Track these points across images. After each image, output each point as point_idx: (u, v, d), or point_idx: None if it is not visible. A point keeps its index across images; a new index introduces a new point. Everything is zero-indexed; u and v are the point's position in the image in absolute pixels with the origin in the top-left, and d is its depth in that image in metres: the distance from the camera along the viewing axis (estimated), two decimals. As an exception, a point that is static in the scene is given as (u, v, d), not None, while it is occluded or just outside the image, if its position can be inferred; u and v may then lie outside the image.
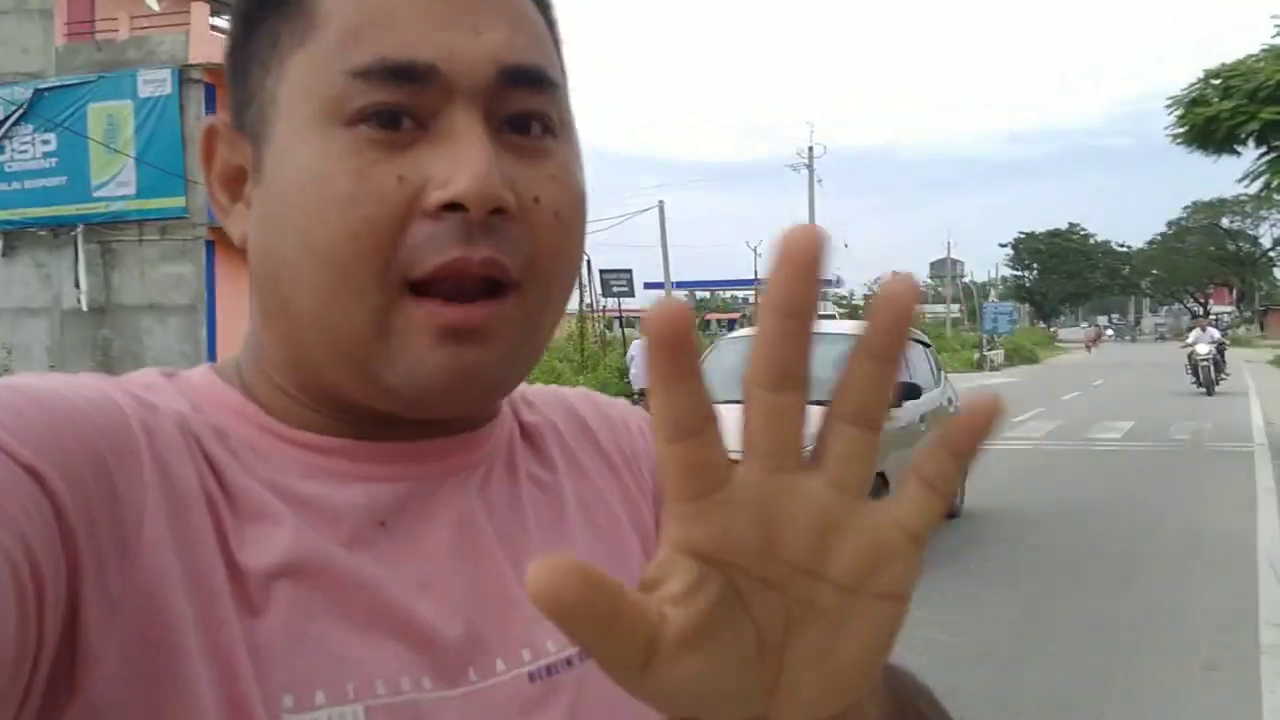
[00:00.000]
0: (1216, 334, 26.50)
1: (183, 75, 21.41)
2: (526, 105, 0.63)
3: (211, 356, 22.08)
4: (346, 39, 0.60)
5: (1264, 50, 14.88)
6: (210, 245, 21.67)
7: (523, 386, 0.77)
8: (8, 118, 21.90)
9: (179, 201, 21.49)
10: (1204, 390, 25.11)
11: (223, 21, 25.02)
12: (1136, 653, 5.84)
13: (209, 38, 22.55)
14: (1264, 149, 14.64)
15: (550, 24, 0.68)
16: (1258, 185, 15.26)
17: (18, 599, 0.46)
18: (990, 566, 7.92)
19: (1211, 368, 25.37)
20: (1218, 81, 14.69)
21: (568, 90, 0.68)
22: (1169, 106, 15.06)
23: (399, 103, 0.59)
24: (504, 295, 0.61)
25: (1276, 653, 5.75)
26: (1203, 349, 25.44)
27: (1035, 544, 8.70)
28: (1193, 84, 14.99)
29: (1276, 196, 16.51)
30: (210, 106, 21.61)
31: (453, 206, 0.58)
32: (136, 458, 0.56)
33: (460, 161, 0.59)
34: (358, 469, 0.64)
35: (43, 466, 0.51)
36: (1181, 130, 14.91)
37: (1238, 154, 15.03)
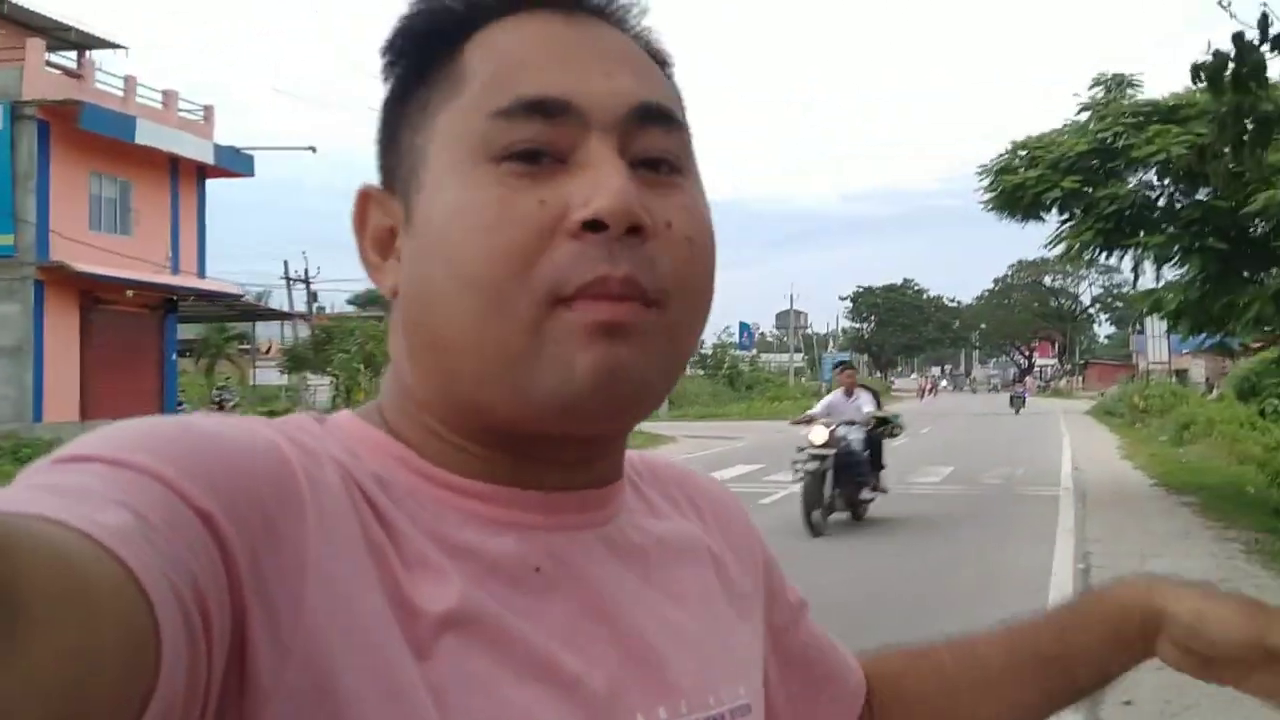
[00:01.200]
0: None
1: (15, 111, 20.84)
2: (656, 144, 0.66)
3: (38, 399, 21.31)
4: (488, 87, 0.64)
5: (1066, 125, 16.11)
6: (39, 285, 21.03)
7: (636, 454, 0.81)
8: None
9: (7, 240, 20.85)
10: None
11: (59, 59, 24.43)
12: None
13: (45, 75, 22.01)
14: (1066, 215, 15.78)
15: (670, 80, 0.72)
16: (1060, 249, 16.40)
17: (188, 639, 0.47)
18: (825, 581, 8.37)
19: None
20: (1024, 152, 15.81)
21: (691, 139, 0.71)
22: (979, 174, 16.13)
23: (538, 137, 0.63)
24: (646, 309, 0.64)
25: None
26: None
27: (841, 581, 9.21)
28: (1001, 154, 16.09)
29: (1077, 260, 17.74)
30: (44, 143, 21.07)
31: (593, 225, 0.61)
32: (300, 505, 0.57)
33: (599, 183, 0.62)
34: (510, 515, 0.66)
35: (213, 510, 0.53)
36: (991, 196, 15.96)
37: (1043, 220, 16.15)
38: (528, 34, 0.67)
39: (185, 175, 25.76)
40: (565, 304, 0.62)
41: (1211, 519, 12.61)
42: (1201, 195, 13.55)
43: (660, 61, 0.72)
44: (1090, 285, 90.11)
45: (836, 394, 13.33)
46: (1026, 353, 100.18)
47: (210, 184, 27.12)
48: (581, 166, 0.63)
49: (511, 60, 0.65)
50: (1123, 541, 10.97)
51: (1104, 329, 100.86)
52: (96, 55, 25.29)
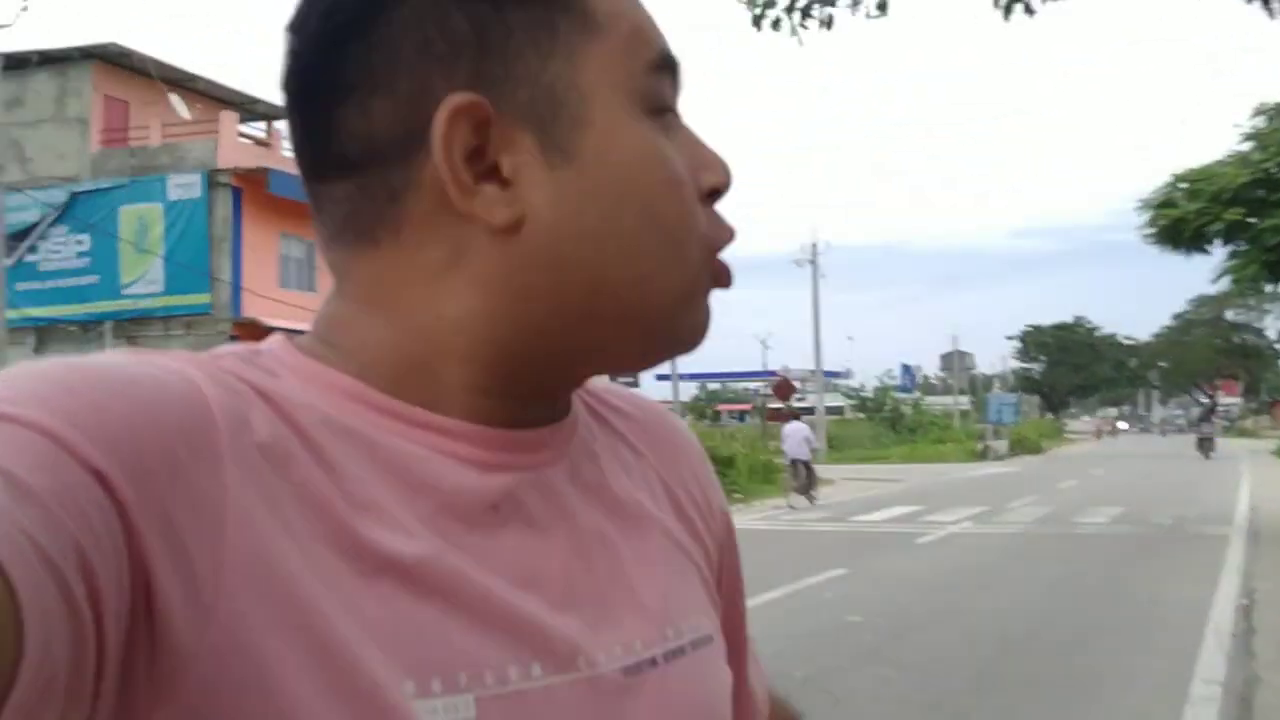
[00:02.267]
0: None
1: (211, 179, 22.43)
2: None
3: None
4: (636, 38, 0.65)
5: (1228, 156, 15.76)
6: (234, 340, 22.44)
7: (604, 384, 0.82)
8: (43, 219, 22.88)
9: (204, 299, 22.41)
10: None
11: (250, 129, 26.19)
12: (1075, 704, 6.40)
13: (237, 144, 23.65)
14: (1231, 248, 15.41)
15: None
16: (1225, 282, 15.99)
17: (68, 609, 0.45)
18: (960, 631, 8.51)
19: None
20: (1184, 185, 15.53)
21: None
22: (1139, 209, 15.90)
23: (671, 103, 0.66)
24: None
25: (1200, 702, 6.31)
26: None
27: (1002, 611, 9.28)
28: (1161, 187, 15.83)
29: (1250, 293, 17.20)
30: (237, 208, 22.59)
31: (716, 192, 0.67)
32: (217, 453, 0.53)
33: (710, 154, 0.67)
34: (473, 453, 0.63)
35: (108, 468, 0.49)
36: (1152, 231, 15.71)
37: (1208, 253, 15.80)
38: None
39: (365, 233, 27.08)
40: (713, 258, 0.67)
41: (1392, 558, 12.11)
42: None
43: None
44: (1276, 319, 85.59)
45: None
46: (1210, 391, 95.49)
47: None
48: (680, 130, 0.67)
49: (638, 16, 0.66)
50: (1292, 580, 10.67)
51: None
52: (284, 125, 26.90)
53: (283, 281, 23.96)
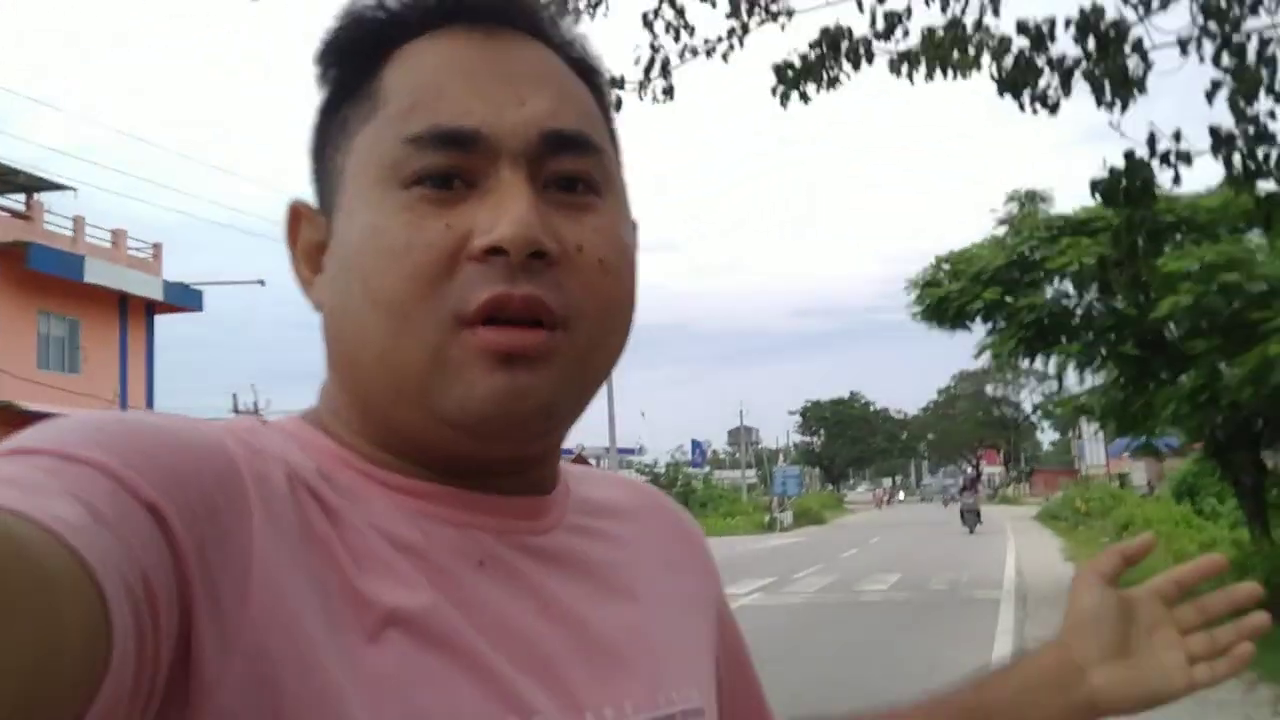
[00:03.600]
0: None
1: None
2: (569, 167, 0.67)
3: None
4: (404, 112, 0.65)
5: (986, 239, 16.89)
6: (-15, 425, 20.92)
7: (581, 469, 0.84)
8: None
9: (-47, 381, 20.80)
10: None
11: (7, 201, 24.72)
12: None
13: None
14: (990, 325, 16.43)
15: (598, 94, 0.73)
16: (985, 357, 17.00)
17: (137, 633, 0.47)
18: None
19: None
20: (947, 266, 16.52)
21: (618, 156, 0.73)
22: (906, 288, 16.81)
23: (449, 165, 0.65)
24: (551, 331, 0.65)
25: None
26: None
27: (793, 681, 9.42)
28: (927, 268, 16.80)
29: (1007, 368, 18.33)
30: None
31: (495, 251, 0.63)
32: (246, 501, 0.57)
33: (502, 210, 0.64)
34: (454, 515, 0.66)
35: (162, 504, 0.52)
36: (919, 309, 16.60)
37: (969, 329, 16.79)
38: (444, 56, 0.67)
39: (134, 312, 26.04)
40: (469, 328, 0.64)
41: (1144, 613, 12.92)
42: (1118, 303, 14.25)
43: (588, 71, 0.73)
44: (1031, 393, 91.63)
45: None
46: (974, 461, 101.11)
47: (160, 319, 27.39)
48: (489, 192, 0.65)
49: (426, 85, 0.66)
50: (1058, 637, 11.24)
51: (1047, 435, 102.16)
52: (46, 197, 25.65)
53: (41, 362, 22.56)
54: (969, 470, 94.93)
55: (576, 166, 0.68)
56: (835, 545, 30.81)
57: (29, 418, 21.80)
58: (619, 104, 11.23)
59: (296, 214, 0.72)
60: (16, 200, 25.32)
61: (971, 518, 36.43)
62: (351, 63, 0.69)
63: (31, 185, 25.01)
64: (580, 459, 35.02)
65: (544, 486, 0.73)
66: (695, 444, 61.04)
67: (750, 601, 16.55)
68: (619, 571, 0.75)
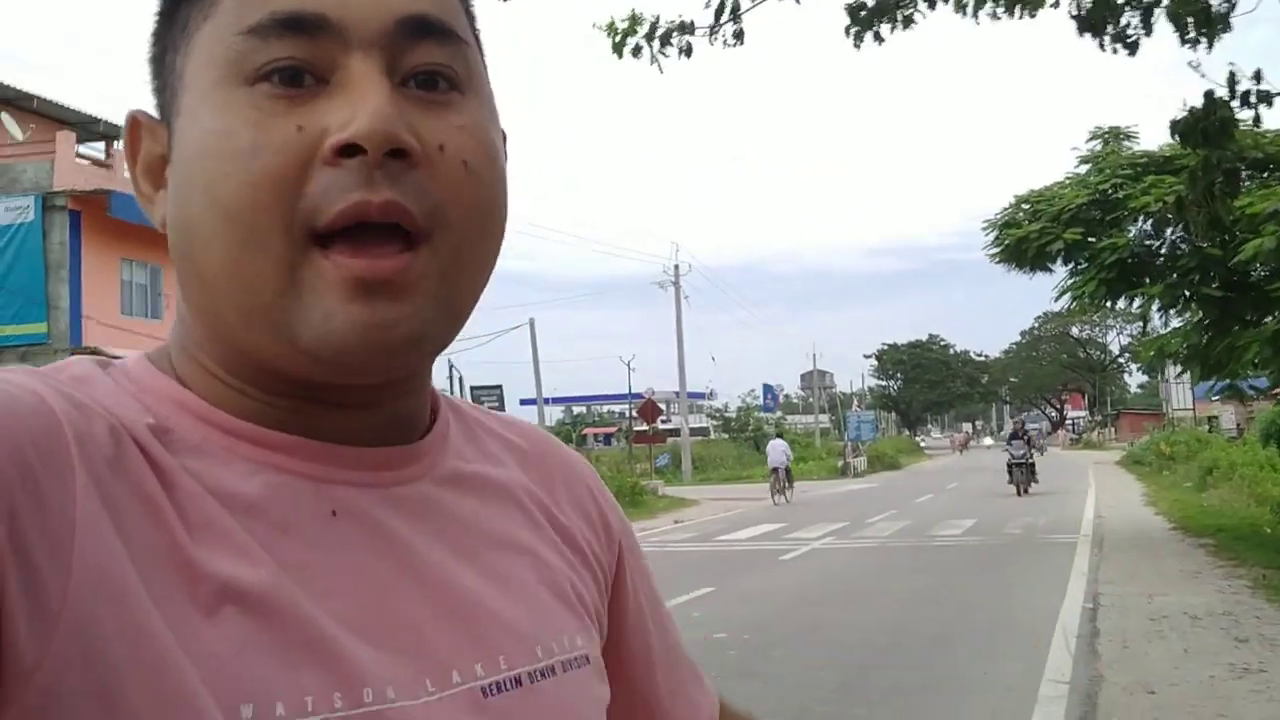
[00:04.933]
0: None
1: (46, 202, 21.52)
2: (429, 58, 0.62)
3: (73, 482, 21.64)
4: (243, 4, 0.60)
5: (1067, 178, 16.45)
6: (73, 369, 21.49)
7: (506, 416, 0.80)
8: None
9: (40, 328, 21.43)
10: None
11: (89, 149, 25.24)
12: (932, 710, 6.54)
13: (74, 165, 22.73)
14: (1071, 266, 16.05)
15: None
16: (1065, 300, 16.64)
17: None
18: (823, 644, 8.61)
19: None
20: (1027, 206, 16.14)
21: (480, 50, 0.67)
22: (984, 229, 16.47)
23: (295, 56, 0.59)
24: (414, 248, 0.60)
25: (1049, 701, 6.51)
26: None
27: (864, 623, 9.42)
28: (1005, 208, 16.43)
29: (1090, 310, 17.95)
30: (75, 232, 21.72)
31: (350, 150, 0.57)
32: (67, 464, 0.53)
33: (357, 105, 0.58)
34: (306, 467, 0.62)
35: None
36: (997, 250, 16.27)
37: (1050, 270, 16.42)
38: None
39: (213, 258, 26.29)
40: (324, 247, 0.59)
41: (1224, 559, 12.72)
42: (1202, 243, 13.83)
43: None
44: (1119, 335, 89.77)
45: None
46: (1058, 405, 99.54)
47: (238, 265, 27.65)
48: (342, 87, 0.59)
49: None
50: (1134, 583, 11.10)
51: (1135, 378, 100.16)
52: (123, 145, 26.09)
53: (125, 308, 23.07)
54: (1053, 413, 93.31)
55: (436, 59, 0.63)
56: (910, 491, 30.63)
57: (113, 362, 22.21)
58: (689, 50, 11.04)
59: (135, 124, 0.66)
60: (97, 149, 25.84)
61: (1022, 474, 26.23)
62: None
63: (111, 134, 25.49)
64: (650, 405, 35.12)
65: (409, 427, 0.69)
66: (767, 388, 60.97)
67: (822, 545, 16.53)
68: (495, 522, 0.71)
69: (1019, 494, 25.70)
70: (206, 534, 0.57)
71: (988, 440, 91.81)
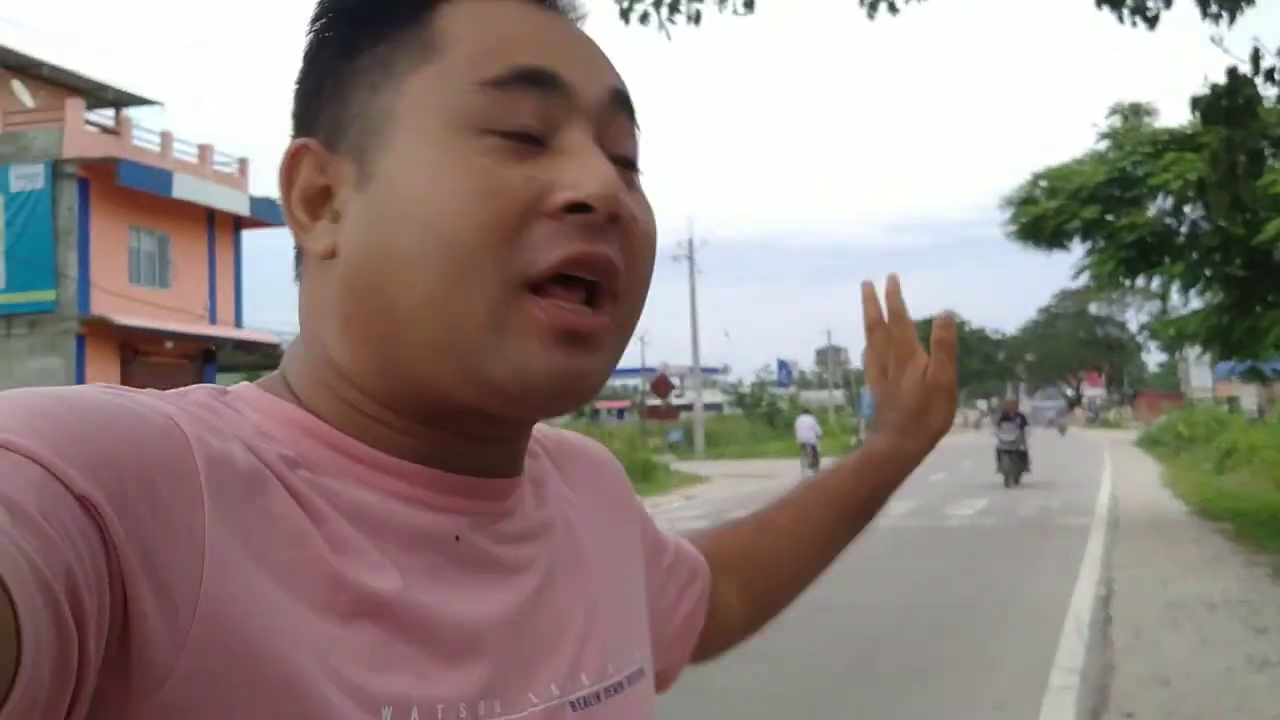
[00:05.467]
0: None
1: (56, 170, 21.44)
2: (624, 139, 0.69)
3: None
4: (478, 57, 0.64)
5: (1086, 154, 16.15)
6: (81, 339, 21.47)
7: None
8: (-128, 211, 21.59)
9: (49, 295, 21.37)
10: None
11: (98, 116, 25.12)
12: (940, 695, 6.39)
13: (84, 133, 22.62)
14: (1089, 244, 15.78)
15: None
16: (1084, 278, 16.38)
17: (56, 630, 0.46)
18: (832, 626, 8.45)
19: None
20: (1044, 183, 15.86)
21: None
22: (1001, 206, 16.20)
23: (531, 112, 0.64)
24: (600, 305, 0.65)
25: (1058, 692, 6.33)
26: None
27: (871, 605, 9.26)
28: (1022, 185, 16.15)
29: (1109, 288, 17.68)
30: (84, 200, 21.63)
31: (577, 208, 0.63)
32: (196, 486, 0.55)
33: (588, 168, 0.63)
34: (429, 496, 0.66)
35: (96, 496, 0.51)
36: (1014, 227, 16.00)
37: (1067, 249, 16.15)
38: (508, 12, 0.67)
39: (222, 227, 26.32)
40: (535, 294, 0.62)
41: (1243, 544, 12.50)
42: (1223, 222, 13.56)
43: None
44: (1137, 313, 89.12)
45: None
46: (1074, 383, 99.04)
47: (246, 235, 27.66)
48: (564, 152, 0.64)
49: (499, 32, 0.65)
50: (1149, 567, 10.90)
51: (1153, 357, 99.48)
52: (133, 112, 26.01)
53: (133, 277, 23.02)
54: (1070, 392, 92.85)
55: (628, 141, 0.69)
56: (923, 469, 29.36)
57: (123, 331, 22.50)
58: (698, 17, 10.81)
59: (302, 152, 0.67)
60: (106, 116, 25.72)
61: (1011, 463, 22.16)
62: (393, 6, 0.67)
63: (120, 100, 25.37)
64: (663, 379, 34.98)
65: (520, 460, 0.73)
66: (781, 363, 60.73)
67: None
68: (572, 540, 0.76)
69: (1006, 485, 21.59)
70: (342, 549, 0.60)
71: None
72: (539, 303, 0.62)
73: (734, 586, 1.01)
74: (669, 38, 10.06)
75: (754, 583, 1.04)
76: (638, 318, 0.70)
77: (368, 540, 0.62)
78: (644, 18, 10.40)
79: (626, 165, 0.69)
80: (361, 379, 0.66)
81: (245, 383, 0.68)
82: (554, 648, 0.69)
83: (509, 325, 0.62)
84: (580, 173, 0.63)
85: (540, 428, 0.82)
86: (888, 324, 1.12)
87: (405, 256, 0.62)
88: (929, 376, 1.11)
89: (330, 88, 0.67)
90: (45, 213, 21.08)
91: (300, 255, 0.69)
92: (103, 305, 21.25)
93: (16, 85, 22.06)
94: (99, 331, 21.29)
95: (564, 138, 0.64)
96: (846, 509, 1.08)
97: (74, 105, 22.65)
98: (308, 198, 0.67)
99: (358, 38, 0.67)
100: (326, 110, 0.67)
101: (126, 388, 0.60)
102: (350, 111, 0.66)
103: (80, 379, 21.37)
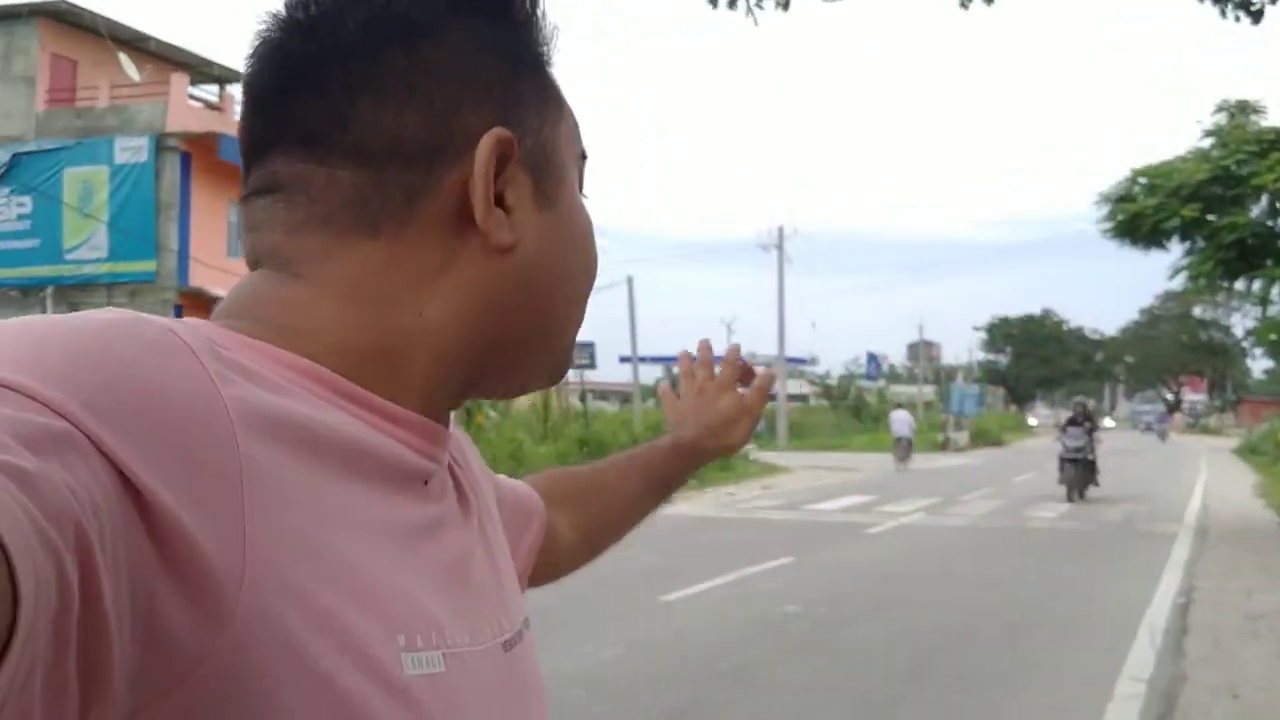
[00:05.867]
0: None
1: (159, 143, 22.03)
2: None
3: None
4: (574, 132, 0.78)
5: (1189, 152, 15.64)
6: (179, 310, 22.06)
7: None
8: (-14, 180, 22.39)
9: (149, 266, 22.00)
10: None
11: (202, 92, 25.73)
12: (1002, 700, 6.29)
13: (187, 108, 23.20)
14: (1188, 245, 15.30)
15: None
16: (1181, 279, 15.91)
17: (60, 592, 0.45)
18: (897, 623, 8.38)
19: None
20: (1144, 180, 15.40)
21: None
22: (1098, 202, 15.77)
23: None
24: None
25: (1123, 701, 6.21)
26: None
27: (942, 604, 9.14)
28: (1120, 181, 15.71)
29: (1209, 291, 17.14)
30: (185, 174, 22.20)
31: None
32: (229, 431, 0.55)
33: None
34: (417, 442, 0.69)
35: (125, 455, 0.50)
36: (1110, 225, 15.58)
37: (1165, 248, 15.69)
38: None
39: (319, 204, 26.62)
40: None
41: (1334, 558, 12.07)
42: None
43: None
44: (1243, 317, 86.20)
45: None
46: (1175, 387, 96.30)
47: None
48: None
49: (575, 116, 0.79)
50: (1233, 578, 10.60)
51: (1260, 363, 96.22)
52: (237, 89, 26.52)
53: (231, 250, 23.52)
54: (1170, 396, 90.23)
55: None
56: (1009, 468, 29.88)
57: (216, 301, 22.73)
58: (786, 3, 10.64)
59: (512, 147, 0.70)
60: (210, 91, 26.32)
61: (1077, 473, 19.64)
62: (531, 50, 0.74)
63: (225, 77, 25.94)
64: (748, 368, 34.53)
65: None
66: (870, 356, 59.97)
67: (911, 520, 16.17)
68: (482, 497, 0.82)
69: (1070, 499, 19.34)
70: (367, 483, 0.64)
71: (1108, 421, 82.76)
72: None
73: (565, 522, 1.13)
74: (756, 24, 9.95)
75: (583, 523, 1.17)
76: None
77: (375, 474, 0.65)
78: (732, 3, 10.33)
79: None
80: (459, 355, 0.71)
81: (192, 321, 0.63)
82: (494, 588, 0.75)
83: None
84: None
85: None
86: (707, 373, 1.33)
87: (571, 279, 0.76)
88: (745, 401, 1.30)
89: (503, 85, 0.71)
90: (148, 185, 21.68)
91: (397, 209, 0.68)
92: (200, 277, 21.81)
93: (124, 59, 22.68)
94: (196, 303, 21.80)
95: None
96: (655, 481, 1.25)
97: (179, 80, 23.24)
98: (495, 187, 0.70)
99: (527, 61, 0.73)
100: (504, 106, 0.70)
101: (146, 315, 0.58)
102: (527, 123, 0.72)
103: (177, 348, 21.96)
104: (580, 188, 0.77)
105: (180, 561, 0.51)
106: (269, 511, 0.56)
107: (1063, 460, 20.01)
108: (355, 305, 0.67)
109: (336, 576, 0.58)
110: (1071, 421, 20.58)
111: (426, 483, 0.70)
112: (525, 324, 0.73)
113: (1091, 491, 20.16)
